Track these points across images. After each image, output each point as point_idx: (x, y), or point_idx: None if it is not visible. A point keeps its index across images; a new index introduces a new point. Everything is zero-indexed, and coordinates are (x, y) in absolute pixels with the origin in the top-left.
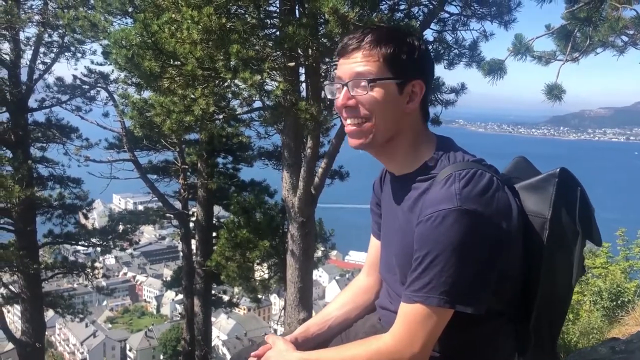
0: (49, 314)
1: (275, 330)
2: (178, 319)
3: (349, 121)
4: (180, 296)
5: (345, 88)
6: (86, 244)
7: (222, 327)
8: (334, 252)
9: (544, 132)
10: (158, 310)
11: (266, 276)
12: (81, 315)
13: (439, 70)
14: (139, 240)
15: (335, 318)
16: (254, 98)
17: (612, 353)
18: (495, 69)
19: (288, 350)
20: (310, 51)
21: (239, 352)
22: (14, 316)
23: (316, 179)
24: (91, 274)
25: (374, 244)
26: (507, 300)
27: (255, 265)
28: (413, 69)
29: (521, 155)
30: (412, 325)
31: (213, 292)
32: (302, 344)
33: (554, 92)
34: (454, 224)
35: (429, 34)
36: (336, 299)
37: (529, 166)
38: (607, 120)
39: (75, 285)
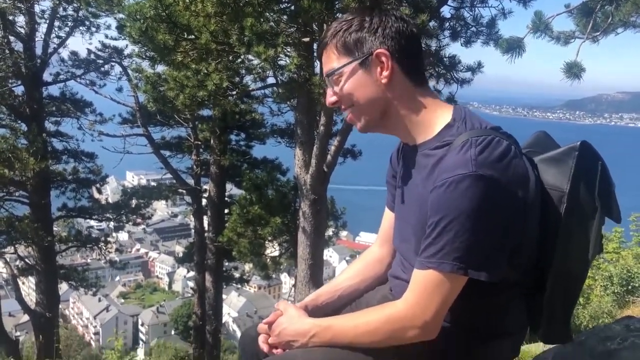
0: (63, 287)
1: None
2: (189, 295)
3: (344, 113)
4: (192, 273)
5: (329, 87)
6: (99, 218)
7: (232, 304)
8: (344, 233)
9: (559, 116)
10: (170, 286)
11: (277, 253)
12: (94, 289)
13: (456, 48)
14: (152, 215)
15: (346, 288)
16: (267, 73)
17: (626, 331)
18: (513, 47)
19: (300, 317)
20: (325, 26)
21: (248, 329)
22: (28, 289)
23: (329, 157)
24: (104, 247)
25: (388, 216)
26: (521, 272)
27: (266, 242)
28: (368, 43)
29: (542, 130)
30: (425, 292)
31: (224, 268)
32: (312, 312)
33: (573, 70)
34: (469, 189)
35: (446, 11)
36: (347, 269)
37: (550, 140)
38: (624, 104)
39: (89, 261)
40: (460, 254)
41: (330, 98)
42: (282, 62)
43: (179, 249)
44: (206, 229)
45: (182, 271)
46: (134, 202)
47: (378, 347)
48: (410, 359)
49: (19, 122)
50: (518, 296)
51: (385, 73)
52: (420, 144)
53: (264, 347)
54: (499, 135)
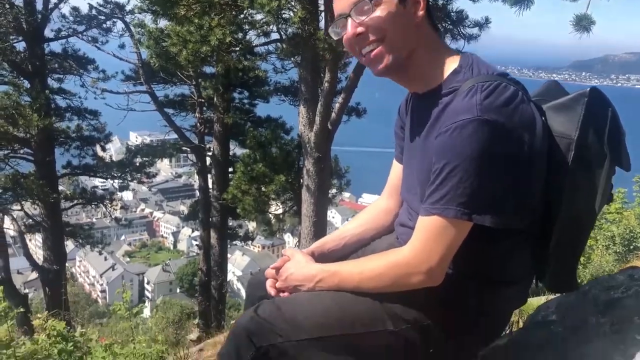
0: (69, 246)
1: None
2: (194, 254)
3: (363, 51)
4: (197, 233)
5: (349, 19)
6: (104, 176)
7: (237, 263)
8: (347, 194)
9: (565, 77)
10: (175, 246)
11: (281, 211)
12: (100, 246)
13: (463, 3)
14: (157, 174)
15: (352, 236)
16: (271, 28)
17: (630, 280)
18: None
19: (307, 262)
20: None
21: (256, 274)
22: (35, 247)
23: (333, 114)
24: (109, 205)
25: (396, 168)
26: (527, 220)
27: (270, 200)
28: None
29: (553, 79)
30: (430, 238)
31: (229, 226)
32: (318, 259)
33: (583, 23)
34: (473, 134)
35: None
36: (354, 219)
37: (560, 90)
38: (632, 65)
39: (94, 220)
40: (464, 199)
41: (356, 29)
42: (285, 16)
43: (184, 209)
44: (210, 187)
45: (186, 231)
46: (138, 160)
47: (383, 293)
48: (415, 305)
49: (21, 78)
50: (523, 244)
51: (420, 13)
52: (428, 92)
53: (272, 292)
54: (506, 81)
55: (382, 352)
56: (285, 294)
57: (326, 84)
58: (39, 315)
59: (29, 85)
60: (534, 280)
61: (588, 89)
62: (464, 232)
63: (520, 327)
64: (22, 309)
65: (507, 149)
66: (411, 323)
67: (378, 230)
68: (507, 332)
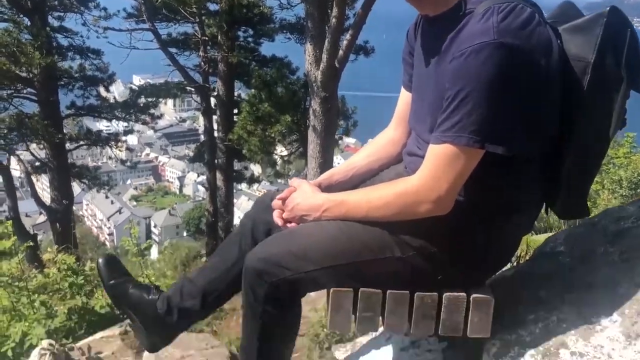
0: (76, 190)
1: None
2: (200, 199)
3: None
4: (202, 178)
5: None
6: (108, 117)
7: (242, 207)
8: (352, 140)
9: None
10: (181, 190)
11: (287, 152)
12: (106, 187)
13: None
14: (161, 115)
15: (360, 167)
16: None
17: None
18: None
19: (313, 192)
20: None
21: (264, 195)
22: (42, 191)
23: (340, 52)
24: (115, 146)
25: (404, 96)
26: (540, 146)
27: (276, 141)
28: None
29: (568, 0)
30: (440, 166)
31: (234, 168)
32: (325, 191)
33: None
34: (489, 57)
35: None
36: (361, 151)
37: (576, 11)
38: None
39: (100, 164)
40: (477, 127)
41: None
42: None
43: (189, 153)
44: (215, 129)
45: (192, 176)
46: (142, 101)
47: (391, 222)
48: (422, 233)
49: (21, 15)
50: (535, 171)
51: None
52: (441, 15)
53: (279, 222)
54: (522, 2)
55: (389, 279)
56: (292, 224)
57: (334, 20)
58: (49, 249)
59: (29, 23)
60: (543, 208)
61: (607, 8)
62: (475, 161)
63: (527, 259)
64: (31, 243)
65: (523, 74)
66: (418, 250)
67: (386, 161)
68: (514, 264)
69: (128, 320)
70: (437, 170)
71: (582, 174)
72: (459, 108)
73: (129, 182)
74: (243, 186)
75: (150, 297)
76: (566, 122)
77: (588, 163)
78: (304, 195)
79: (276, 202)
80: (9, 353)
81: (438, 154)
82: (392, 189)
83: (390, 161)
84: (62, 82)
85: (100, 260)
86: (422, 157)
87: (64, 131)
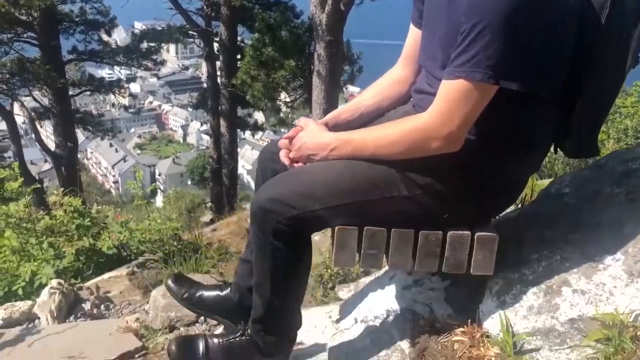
0: (80, 138)
1: None
2: (204, 147)
3: None
4: (205, 127)
5: None
6: (110, 62)
7: (246, 157)
8: (357, 89)
9: None
10: (184, 139)
11: (291, 99)
12: (110, 133)
13: None
14: (164, 61)
15: (367, 106)
16: None
17: None
18: None
19: (321, 131)
20: None
21: (268, 145)
22: (47, 138)
23: None
24: (118, 92)
25: (413, 33)
26: (554, 84)
27: (280, 87)
28: None
29: None
30: (453, 102)
31: (238, 115)
32: (332, 130)
33: None
34: None
35: None
36: (369, 89)
37: None
38: None
39: (103, 112)
40: (493, 62)
41: None
42: None
43: (192, 101)
44: (218, 74)
45: (195, 124)
46: (144, 46)
47: (399, 160)
48: (430, 171)
49: None
50: (547, 110)
51: None
52: None
53: (285, 161)
54: None
55: (395, 217)
56: (299, 164)
57: None
58: (55, 192)
59: None
60: (552, 148)
61: None
62: (488, 97)
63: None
64: (38, 185)
65: (540, 8)
66: (425, 188)
67: (394, 100)
68: (519, 206)
69: (135, 261)
70: (449, 105)
71: (594, 114)
72: (474, 42)
73: (132, 130)
74: (247, 135)
75: (224, 293)
76: (582, 59)
77: (601, 100)
78: (311, 134)
79: (283, 142)
80: (20, 292)
81: (451, 89)
82: (402, 126)
83: (399, 100)
84: (63, 26)
85: (169, 281)
86: (432, 95)
87: (67, 77)
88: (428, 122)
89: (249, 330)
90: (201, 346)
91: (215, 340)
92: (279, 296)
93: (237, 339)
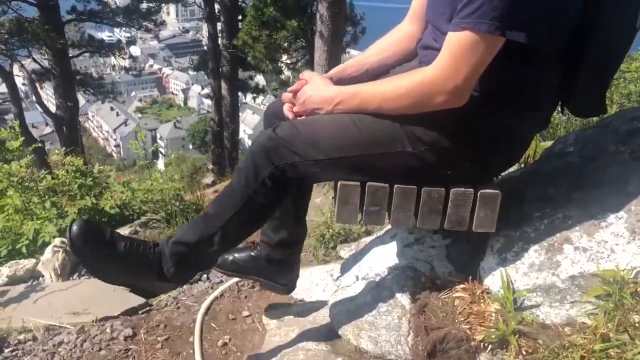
0: (81, 101)
1: None
2: (205, 112)
3: None
4: (207, 90)
5: None
6: (110, 23)
7: (247, 121)
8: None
9: None
10: (185, 102)
11: (292, 60)
12: (111, 95)
13: None
14: (164, 22)
15: (373, 62)
16: None
17: None
18: None
19: (326, 84)
20: None
21: (272, 104)
22: (47, 102)
23: None
24: (118, 54)
25: None
26: (561, 40)
27: (282, 48)
28: None
29: None
30: (458, 54)
31: (239, 78)
32: (337, 84)
33: None
34: None
35: None
36: (375, 44)
37: None
38: None
39: (104, 75)
40: (499, 13)
41: None
42: None
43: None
44: (220, 36)
45: (196, 88)
46: (144, 6)
47: (403, 115)
48: (435, 127)
49: None
50: (553, 67)
51: None
52: None
53: (289, 115)
54: None
55: (398, 173)
56: (303, 117)
57: None
58: (56, 151)
59: None
60: (558, 107)
61: None
62: (494, 49)
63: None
64: (39, 144)
65: None
66: (430, 145)
67: (401, 56)
68: (522, 166)
69: (138, 221)
70: (455, 58)
71: (602, 72)
72: None
73: (133, 94)
74: (248, 99)
75: (254, 253)
76: (590, 16)
77: (610, 57)
78: (316, 88)
79: (287, 95)
80: (24, 250)
81: (457, 41)
82: (407, 80)
83: (406, 57)
84: None
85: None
86: (438, 50)
87: (66, 37)
88: (433, 75)
89: (161, 247)
90: (107, 234)
91: (122, 243)
92: (225, 233)
93: (150, 250)
